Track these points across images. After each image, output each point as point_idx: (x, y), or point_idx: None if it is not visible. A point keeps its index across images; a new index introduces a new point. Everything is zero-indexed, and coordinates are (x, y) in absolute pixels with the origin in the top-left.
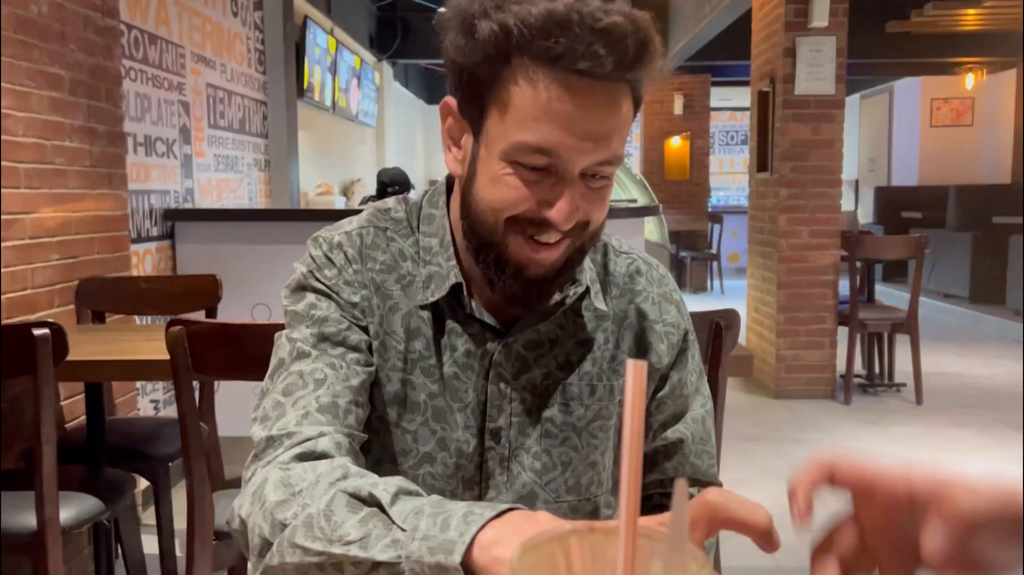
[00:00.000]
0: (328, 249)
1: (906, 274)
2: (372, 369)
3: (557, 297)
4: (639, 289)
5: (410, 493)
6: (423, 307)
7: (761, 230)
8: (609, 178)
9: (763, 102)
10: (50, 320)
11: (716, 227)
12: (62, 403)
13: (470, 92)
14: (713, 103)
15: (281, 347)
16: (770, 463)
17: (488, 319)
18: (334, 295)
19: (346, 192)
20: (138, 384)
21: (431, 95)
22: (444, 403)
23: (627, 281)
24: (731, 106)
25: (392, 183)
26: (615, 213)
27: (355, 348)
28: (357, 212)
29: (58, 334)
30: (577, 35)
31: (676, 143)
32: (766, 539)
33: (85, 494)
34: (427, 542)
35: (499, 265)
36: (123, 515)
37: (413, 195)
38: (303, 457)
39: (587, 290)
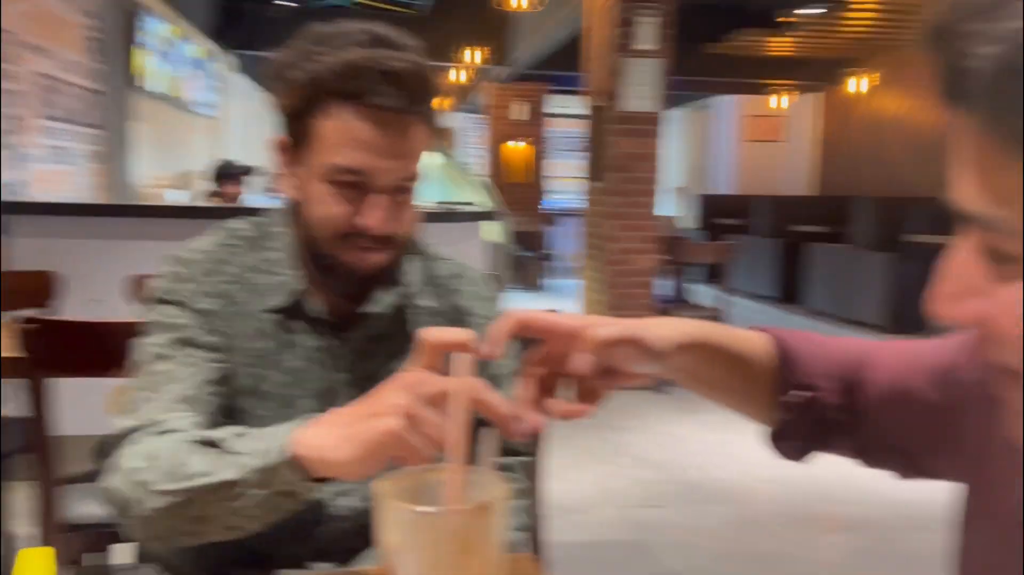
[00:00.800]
0: (181, 265)
1: (721, 275)
2: (224, 366)
3: (389, 299)
4: (458, 289)
5: (244, 434)
6: (270, 311)
7: (592, 234)
8: (410, 192)
9: (596, 116)
10: None
11: (550, 229)
12: None
13: (293, 129)
14: (551, 110)
15: (140, 352)
16: (593, 448)
17: (328, 319)
18: (187, 305)
19: (184, 185)
20: None
21: None
22: (293, 392)
23: (448, 283)
24: (567, 113)
25: (230, 176)
26: (459, 217)
27: (208, 349)
28: (195, 208)
29: None
30: (371, 78)
31: (516, 147)
32: (472, 350)
33: None
34: (260, 453)
35: (333, 269)
36: None
37: (260, 216)
38: (161, 435)
39: (411, 291)
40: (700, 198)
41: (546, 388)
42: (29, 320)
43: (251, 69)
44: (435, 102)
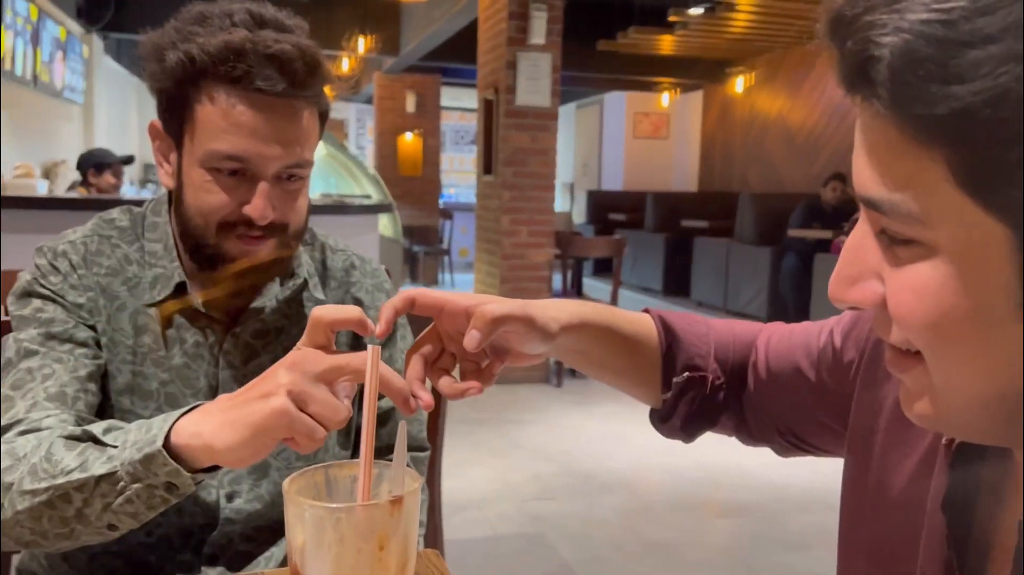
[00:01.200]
0: (52, 258)
1: (611, 269)
2: (101, 362)
3: (279, 290)
4: (354, 281)
5: (120, 428)
6: (150, 305)
7: (487, 228)
8: (303, 180)
9: (488, 109)
10: None
11: (447, 223)
12: None
13: (169, 113)
14: (444, 103)
15: (8, 348)
16: (492, 443)
17: (214, 313)
18: (59, 299)
19: (48, 175)
20: None
21: None
22: (176, 390)
23: (343, 275)
24: (461, 106)
25: (104, 167)
26: (351, 210)
27: (82, 344)
28: (64, 199)
29: None
30: (252, 60)
31: (409, 139)
32: (360, 326)
33: None
34: (135, 445)
35: (215, 262)
36: None
37: (137, 206)
38: (27, 433)
39: (306, 282)
40: (590, 194)
41: (438, 367)
42: None
43: (121, 52)
44: (325, 86)
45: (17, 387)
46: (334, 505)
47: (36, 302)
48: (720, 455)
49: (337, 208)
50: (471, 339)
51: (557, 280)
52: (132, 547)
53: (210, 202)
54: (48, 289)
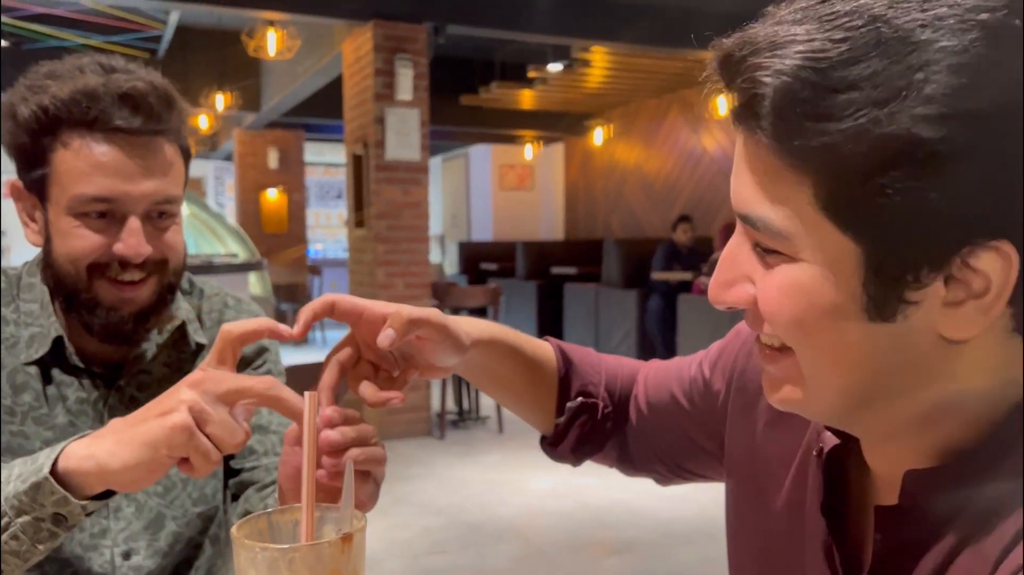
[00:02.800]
0: None
1: (487, 317)
2: None
3: (158, 337)
4: (228, 318)
5: (7, 465)
6: (28, 364)
7: (361, 282)
8: (173, 216)
9: (357, 164)
10: None
11: (316, 279)
12: None
13: (28, 168)
14: (308, 158)
15: None
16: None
17: (95, 368)
18: None
19: None
20: None
21: None
22: None
23: (218, 315)
24: (326, 162)
25: None
26: (217, 270)
27: None
28: None
29: None
30: (106, 101)
31: (272, 196)
32: (272, 334)
33: None
34: (20, 477)
35: (91, 310)
36: None
37: (14, 267)
38: None
39: (183, 326)
40: (461, 245)
41: (356, 373)
42: None
43: None
44: (182, 120)
45: None
46: (287, 546)
47: None
48: (605, 495)
49: (204, 268)
50: (385, 337)
51: None
52: None
53: (80, 247)
54: None
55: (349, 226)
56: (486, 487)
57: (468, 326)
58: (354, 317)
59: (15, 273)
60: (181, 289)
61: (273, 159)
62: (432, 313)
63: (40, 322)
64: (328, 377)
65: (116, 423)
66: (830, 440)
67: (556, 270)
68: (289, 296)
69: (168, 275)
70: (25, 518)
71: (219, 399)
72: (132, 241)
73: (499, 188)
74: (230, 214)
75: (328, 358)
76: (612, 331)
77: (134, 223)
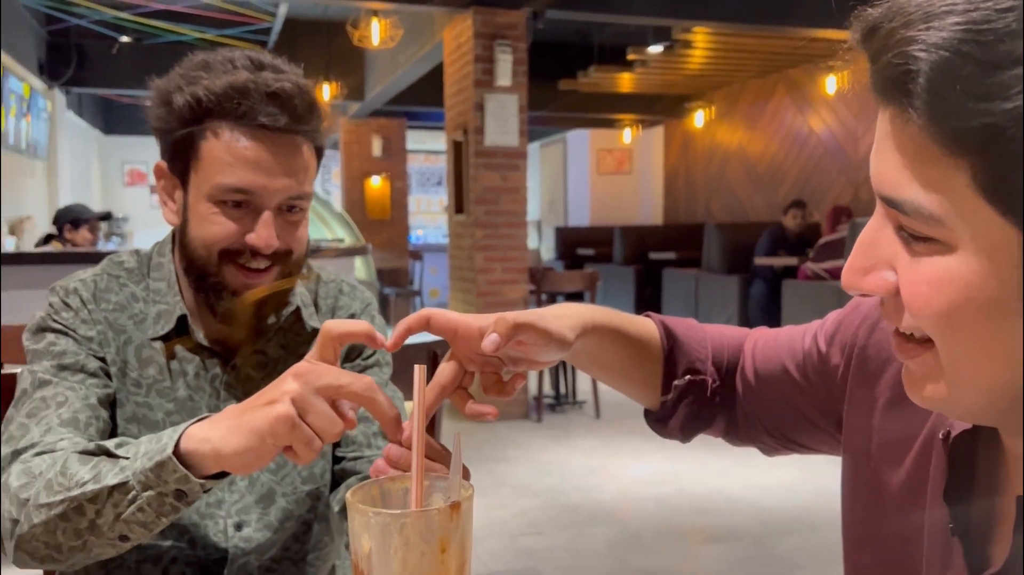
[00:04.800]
0: (64, 295)
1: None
2: (110, 391)
3: (273, 320)
4: (341, 306)
5: (131, 443)
6: (155, 339)
7: (461, 267)
8: (303, 211)
9: (457, 151)
10: None
11: (417, 264)
12: None
13: (175, 153)
14: (410, 146)
15: (24, 379)
16: (477, 480)
17: (214, 346)
18: (71, 332)
19: (14, 231)
20: None
21: (108, 125)
22: (180, 420)
23: (332, 301)
24: (427, 149)
25: (74, 221)
26: (325, 254)
27: (92, 374)
28: (34, 254)
29: None
30: (255, 98)
31: (376, 183)
32: (369, 339)
33: None
34: (147, 455)
35: (217, 292)
36: None
37: (145, 247)
38: (42, 454)
39: (299, 311)
40: (558, 230)
41: (461, 391)
42: None
43: (83, 107)
44: (320, 122)
45: (32, 415)
46: (399, 511)
47: (49, 336)
48: (704, 482)
49: (312, 252)
50: (490, 342)
51: None
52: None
53: (215, 232)
54: (60, 324)
55: (449, 212)
56: (582, 471)
57: (570, 319)
58: (450, 332)
59: (146, 253)
60: (300, 276)
61: (377, 147)
62: (533, 318)
63: (167, 300)
64: (429, 398)
65: (231, 409)
66: (959, 424)
67: (654, 255)
68: (392, 280)
69: (291, 265)
70: (150, 492)
71: (319, 391)
72: (264, 233)
73: (597, 172)
74: (336, 201)
75: (433, 386)
76: (712, 317)
77: (268, 216)
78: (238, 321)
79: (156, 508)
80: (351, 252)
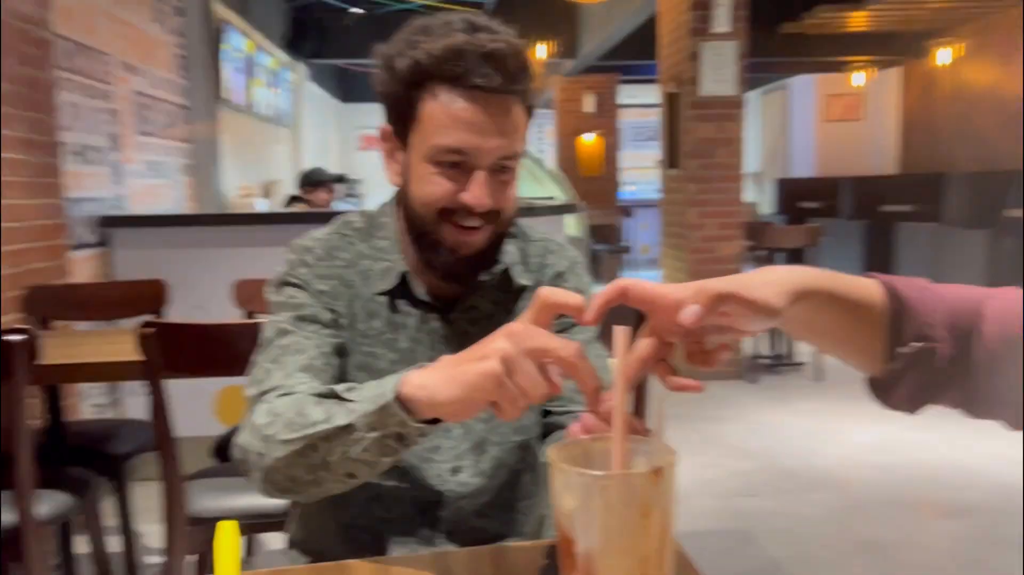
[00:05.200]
0: (301, 252)
1: (803, 261)
2: (342, 340)
3: (485, 277)
4: (549, 263)
5: (358, 388)
6: (380, 294)
7: (673, 223)
8: (513, 171)
9: (671, 103)
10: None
11: (627, 221)
12: None
13: (397, 115)
14: (622, 101)
15: (267, 328)
16: (689, 439)
17: (433, 301)
18: (307, 286)
19: (267, 193)
20: (79, 390)
21: (345, 94)
22: (402, 368)
23: (540, 259)
24: (639, 103)
25: (320, 183)
26: (537, 211)
27: (326, 324)
28: (283, 213)
29: (32, 339)
30: (470, 60)
31: (588, 140)
32: (581, 313)
33: (55, 491)
34: (371, 399)
35: (435, 248)
36: (90, 512)
37: (372, 208)
38: (284, 396)
39: (508, 270)
40: (778, 183)
41: (663, 364)
42: (146, 324)
43: (322, 78)
44: (531, 82)
45: (275, 361)
46: (601, 473)
47: (289, 290)
48: (938, 453)
49: (526, 211)
50: (691, 313)
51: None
52: (374, 521)
53: (433, 192)
54: (298, 278)
55: (662, 166)
56: (800, 434)
57: (778, 285)
58: (647, 304)
59: (372, 213)
60: (509, 234)
61: (589, 103)
62: (738, 286)
63: (390, 257)
64: (628, 371)
65: (446, 359)
66: None
67: (886, 208)
68: (602, 237)
69: (502, 224)
70: (374, 434)
71: (528, 353)
72: (478, 191)
73: (823, 120)
74: (549, 159)
75: (633, 360)
76: (953, 278)
77: (480, 175)
78: (453, 276)
79: (379, 448)
80: (563, 210)
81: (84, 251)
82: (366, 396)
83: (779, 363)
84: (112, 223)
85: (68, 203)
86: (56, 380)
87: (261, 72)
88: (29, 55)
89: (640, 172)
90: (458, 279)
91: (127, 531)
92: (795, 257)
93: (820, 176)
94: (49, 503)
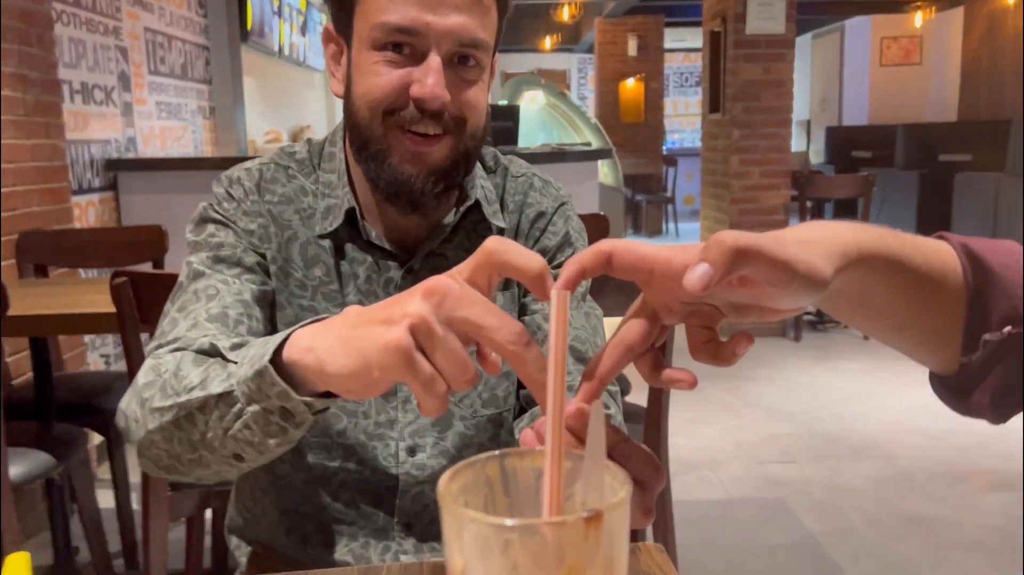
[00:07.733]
0: (228, 184)
1: (856, 213)
2: (268, 288)
3: (451, 217)
4: (531, 202)
5: (253, 342)
6: (322, 236)
7: (713, 171)
8: (480, 68)
9: (715, 42)
10: None
11: (671, 170)
12: (8, 360)
13: (338, 7)
14: (667, 44)
15: (181, 271)
16: (724, 400)
17: (388, 246)
18: (231, 224)
19: (296, 139)
20: (87, 339)
21: None
22: None
23: (521, 198)
24: (685, 47)
25: None
26: (567, 157)
27: (250, 269)
28: None
29: None
30: None
31: (631, 85)
32: (539, 284)
33: (34, 450)
34: (250, 361)
35: (380, 161)
36: (76, 470)
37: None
38: (178, 351)
39: (478, 205)
40: (829, 131)
41: (648, 358)
42: (116, 274)
43: None
44: None
45: (183, 309)
46: (507, 522)
47: (210, 227)
48: None
49: (555, 155)
50: (699, 277)
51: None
52: (319, 509)
53: (376, 84)
54: (221, 214)
55: (703, 110)
56: (844, 397)
57: (823, 246)
58: (641, 272)
59: (318, 143)
60: (484, 165)
61: (632, 47)
62: (765, 242)
63: (336, 193)
64: (606, 364)
65: (350, 312)
66: None
67: (945, 157)
68: (643, 187)
69: (465, 139)
70: (255, 407)
71: (451, 323)
72: (429, 81)
73: (879, 64)
74: (591, 105)
75: (615, 345)
76: (1018, 232)
77: (434, 60)
78: (404, 199)
79: (262, 427)
80: (593, 155)
81: (90, 195)
82: (248, 357)
83: (823, 320)
84: (119, 166)
85: (72, 145)
86: (26, 333)
87: (291, 13)
88: None
89: (686, 120)
90: (410, 202)
91: (119, 487)
92: (846, 209)
93: (874, 123)
94: (24, 463)
